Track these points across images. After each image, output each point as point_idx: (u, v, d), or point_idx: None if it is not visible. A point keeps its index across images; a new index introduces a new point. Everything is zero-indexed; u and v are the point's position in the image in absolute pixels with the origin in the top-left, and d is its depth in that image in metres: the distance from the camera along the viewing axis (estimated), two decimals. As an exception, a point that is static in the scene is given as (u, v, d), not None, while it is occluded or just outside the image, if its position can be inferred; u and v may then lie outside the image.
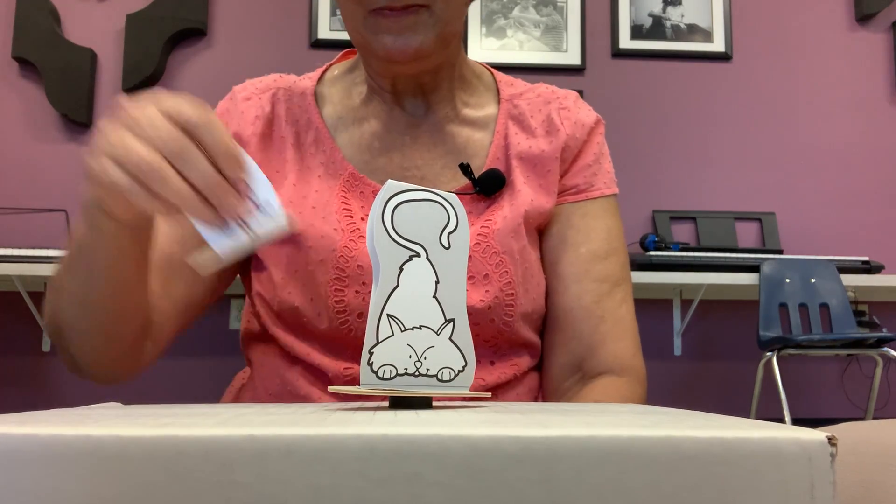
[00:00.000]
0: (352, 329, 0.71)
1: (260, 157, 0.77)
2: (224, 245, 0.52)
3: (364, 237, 0.72)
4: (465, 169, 0.76)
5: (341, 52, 0.87)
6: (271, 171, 0.77)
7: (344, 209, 0.74)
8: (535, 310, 0.76)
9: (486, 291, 0.71)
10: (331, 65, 0.86)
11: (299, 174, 0.77)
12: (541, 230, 0.80)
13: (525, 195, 0.77)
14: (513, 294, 0.73)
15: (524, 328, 0.75)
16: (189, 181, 0.48)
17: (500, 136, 0.80)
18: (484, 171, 0.77)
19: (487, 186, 0.76)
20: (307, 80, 0.83)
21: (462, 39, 0.80)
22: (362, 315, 0.71)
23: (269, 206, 0.52)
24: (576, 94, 0.85)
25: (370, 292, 0.70)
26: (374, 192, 0.76)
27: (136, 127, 0.48)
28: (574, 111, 0.82)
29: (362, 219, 0.74)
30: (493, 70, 0.87)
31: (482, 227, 0.75)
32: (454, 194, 0.46)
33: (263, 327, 0.76)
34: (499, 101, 0.82)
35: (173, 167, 0.48)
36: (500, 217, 0.75)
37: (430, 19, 0.70)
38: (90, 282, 0.61)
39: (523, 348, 0.77)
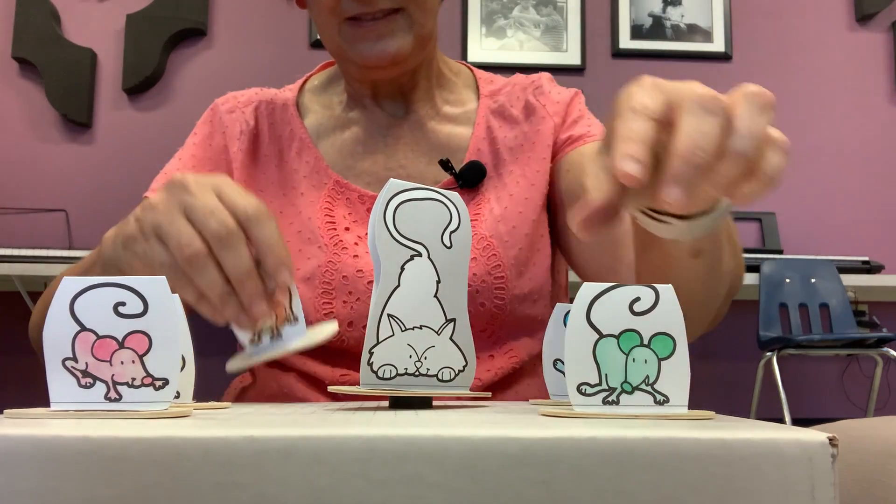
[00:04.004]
0: (344, 339, 0.72)
1: (246, 174, 0.79)
2: (249, 348, 0.53)
3: (347, 248, 0.74)
4: (445, 164, 0.78)
5: (321, 64, 0.90)
6: (255, 191, 0.78)
7: (328, 222, 0.76)
8: (534, 289, 0.76)
9: (474, 274, 0.72)
10: (311, 75, 0.88)
11: (284, 198, 0.78)
12: (550, 196, 0.80)
13: (511, 183, 0.78)
14: (503, 277, 0.73)
15: (522, 307, 0.75)
16: (226, 274, 0.47)
17: (480, 128, 0.81)
18: (464, 164, 0.78)
19: (469, 179, 0.78)
20: (288, 92, 0.85)
21: (437, 39, 0.82)
22: (353, 324, 0.72)
23: (301, 320, 0.51)
24: (549, 75, 0.87)
25: (357, 300, 0.72)
26: (360, 197, 0.78)
27: (191, 212, 0.48)
28: (548, 88, 0.84)
29: (346, 228, 0.75)
30: (472, 68, 0.89)
31: (471, 219, 0.75)
32: (456, 193, 0.46)
33: None
34: (478, 98, 0.84)
35: (217, 261, 0.47)
36: (486, 210, 0.76)
37: (406, 23, 0.72)
38: None
39: (523, 330, 0.76)
